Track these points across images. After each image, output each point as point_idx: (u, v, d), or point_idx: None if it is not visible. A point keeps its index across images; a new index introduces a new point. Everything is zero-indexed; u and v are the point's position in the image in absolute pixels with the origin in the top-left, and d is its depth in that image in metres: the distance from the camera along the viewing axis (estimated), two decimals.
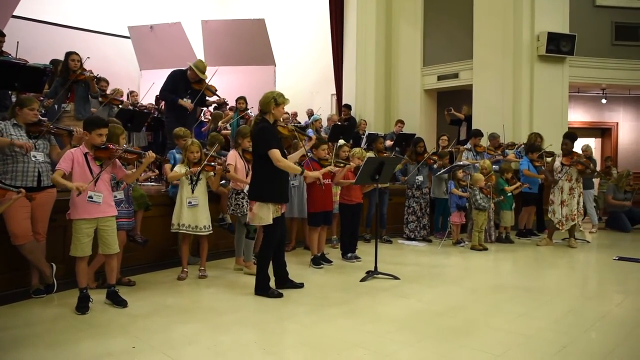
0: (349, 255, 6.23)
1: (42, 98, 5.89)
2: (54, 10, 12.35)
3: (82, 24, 12.78)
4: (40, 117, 4.60)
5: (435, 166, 7.93)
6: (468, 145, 8.72)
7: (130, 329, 3.71)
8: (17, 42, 6.08)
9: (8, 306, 4.16)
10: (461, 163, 7.91)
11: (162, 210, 5.47)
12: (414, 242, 7.71)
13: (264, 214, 4.53)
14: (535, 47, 9.79)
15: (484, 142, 8.81)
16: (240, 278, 5.28)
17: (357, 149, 6.53)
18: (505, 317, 4.15)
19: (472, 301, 4.63)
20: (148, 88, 10.14)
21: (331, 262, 6.01)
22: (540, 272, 6.08)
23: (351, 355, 3.29)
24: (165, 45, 12.10)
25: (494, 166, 8.12)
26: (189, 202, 5.08)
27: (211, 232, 5.26)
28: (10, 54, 6.16)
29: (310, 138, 5.63)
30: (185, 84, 6.64)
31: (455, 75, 10.97)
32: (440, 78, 11.21)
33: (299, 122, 9.22)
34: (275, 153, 4.44)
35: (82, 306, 4.02)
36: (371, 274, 5.32)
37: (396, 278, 5.30)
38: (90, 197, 4.04)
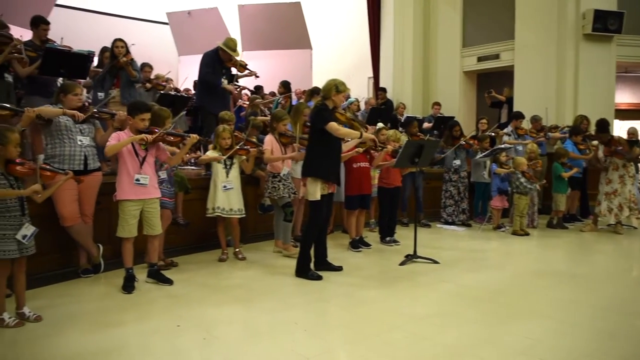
0: (388, 239, 6.21)
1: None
2: None
3: (122, 11, 12.99)
4: (85, 103, 4.72)
5: (472, 149, 7.77)
6: (508, 129, 8.49)
7: (173, 308, 3.80)
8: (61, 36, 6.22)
9: (58, 285, 4.33)
10: (503, 146, 7.72)
11: (202, 194, 5.54)
12: (452, 226, 7.61)
13: (312, 190, 4.63)
14: (581, 26, 9.38)
15: (526, 124, 8.56)
16: (279, 260, 5.34)
17: (391, 132, 6.45)
18: (549, 303, 4.05)
19: (514, 286, 4.55)
20: (186, 73, 10.31)
21: (369, 245, 5.99)
22: (585, 258, 5.91)
23: (391, 337, 3.29)
24: (203, 31, 12.17)
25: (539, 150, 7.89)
26: (224, 186, 5.14)
27: (244, 215, 5.32)
28: (55, 42, 6.31)
29: (367, 128, 5.64)
30: (220, 64, 6.66)
31: (496, 56, 10.66)
32: (480, 59, 10.93)
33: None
34: (333, 124, 4.54)
35: (128, 285, 4.14)
36: (410, 257, 5.28)
37: (435, 262, 5.24)
38: (137, 179, 4.14)
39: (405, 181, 7.08)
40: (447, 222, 7.71)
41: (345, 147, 5.32)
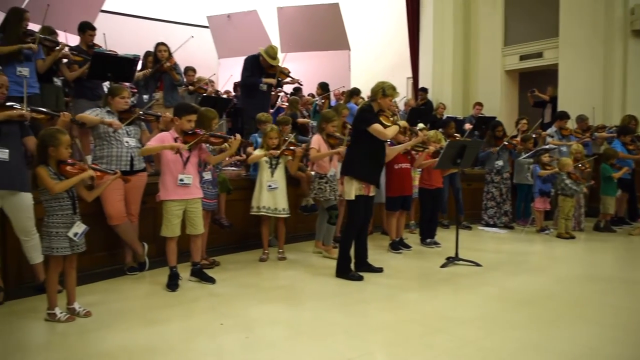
0: (428, 240, 6.13)
1: (134, 88, 6.18)
2: (138, 3, 12.93)
3: (163, 15, 13.29)
4: (131, 105, 4.85)
5: (516, 150, 7.59)
6: (552, 129, 8.25)
7: (216, 307, 3.86)
8: (104, 34, 6.42)
9: (105, 281, 4.46)
10: (547, 147, 7.50)
11: (243, 194, 5.62)
12: (494, 228, 7.44)
13: (347, 189, 4.64)
14: (629, 22, 9.03)
15: (571, 125, 8.30)
16: (319, 261, 5.34)
17: (431, 132, 6.36)
18: (598, 309, 3.91)
19: (561, 291, 4.41)
20: (226, 76, 10.47)
21: (410, 247, 5.93)
22: (636, 263, 5.67)
23: (434, 340, 3.24)
24: (242, 34, 12.33)
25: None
26: (269, 186, 5.18)
27: (289, 215, 5.35)
28: (101, 46, 6.52)
29: (416, 134, 5.60)
30: (260, 69, 6.74)
31: (539, 55, 10.40)
32: (522, 58, 10.68)
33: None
34: (376, 126, 4.51)
35: (173, 284, 4.23)
36: (452, 260, 5.19)
37: (478, 265, 5.14)
38: (181, 179, 4.22)
39: (443, 183, 6.98)
40: (488, 225, 7.55)
41: (391, 151, 5.29)
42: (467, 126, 9.39)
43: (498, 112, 10.38)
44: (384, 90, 4.59)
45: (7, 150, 3.73)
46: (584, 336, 3.32)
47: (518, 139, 7.76)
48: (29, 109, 3.86)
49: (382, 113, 4.70)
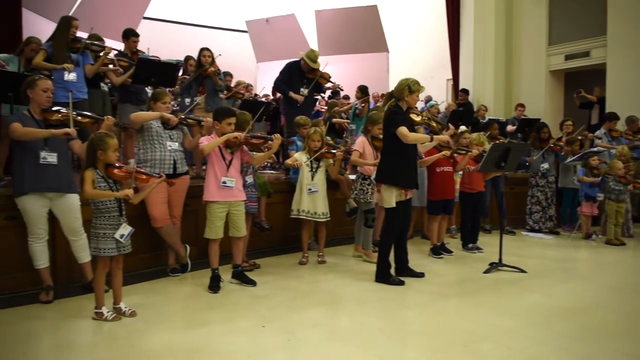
0: (470, 245, 6.02)
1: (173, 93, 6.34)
2: (178, 10, 13.26)
3: (202, 21, 13.57)
4: (173, 109, 4.97)
5: (562, 153, 7.38)
6: (601, 131, 7.98)
7: (257, 309, 3.90)
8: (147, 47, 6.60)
9: (149, 282, 4.57)
10: (595, 149, 7.26)
11: (283, 197, 5.66)
12: (539, 234, 7.25)
13: (388, 197, 4.58)
14: None
15: (620, 126, 8.00)
16: (359, 265, 5.32)
17: (474, 135, 6.24)
18: None
19: (612, 300, 4.25)
20: (264, 80, 10.60)
21: (451, 252, 5.85)
22: None
23: (479, 348, 3.18)
24: (280, 37, 12.47)
25: (632, 153, 7.36)
26: (309, 189, 5.20)
27: (329, 218, 5.35)
28: (144, 52, 6.71)
29: (447, 128, 5.51)
30: (301, 75, 6.78)
31: (586, 54, 10.07)
32: (568, 57, 10.37)
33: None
34: (403, 129, 4.44)
35: (214, 285, 4.30)
36: (495, 265, 5.09)
37: (522, 271, 5.02)
38: (224, 182, 4.30)
39: (485, 187, 6.84)
40: (533, 230, 7.37)
41: (422, 148, 5.24)
42: (510, 128, 9.20)
43: (542, 113, 10.11)
44: (409, 87, 4.53)
45: (56, 154, 3.88)
46: (637, 349, 3.19)
47: (563, 141, 7.54)
48: (74, 113, 3.99)
49: (410, 110, 4.64)
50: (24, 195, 3.83)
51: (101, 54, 5.55)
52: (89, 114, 4.27)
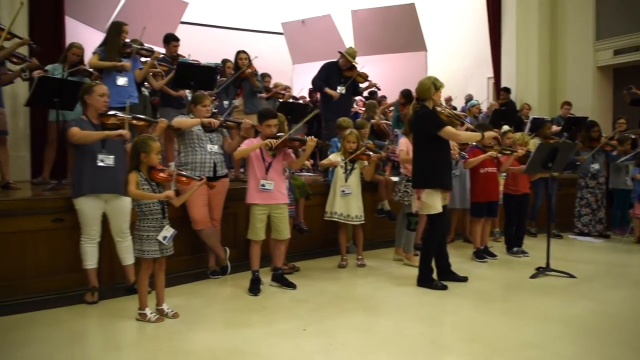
0: (515, 249, 5.90)
1: (214, 96, 6.45)
2: (214, 14, 13.49)
3: (238, 24, 13.77)
4: (213, 112, 5.07)
5: (614, 153, 7.15)
6: None
7: (297, 312, 3.93)
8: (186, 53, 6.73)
9: (190, 284, 4.67)
10: None
11: (322, 199, 5.67)
12: (588, 237, 7.05)
13: (433, 202, 4.51)
14: None
15: None
16: (400, 268, 5.30)
17: (517, 135, 6.12)
18: None
19: None
20: (300, 81, 10.66)
21: (495, 256, 5.74)
22: None
23: (528, 355, 3.12)
24: (316, 38, 12.51)
25: None
26: (342, 191, 5.21)
27: (363, 222, 5.34)
28: (184, 56, 6.87)
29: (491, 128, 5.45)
30: (338, 73, 6.81)
31: (637, 49, 9.71)
32: (617, 52, 10.01)
33: (455, 108, 8.89)
34: (450, 129, 4.40)
35: (255, 288, 4.36)
36: (542, 270, 4.97)
37: (571, 276, 4.89)
38: (262, 185, 4.36)
39: (536, 189, 6.69)
40: (581, 233, 7.16)
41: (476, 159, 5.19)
42: (555, 128, 8.95)
43: (590, 111, 9.78)
44: (435, 85, 4.49)
45: (113, 157, 4.06)
46: None
47: (615, 140, 7.30)
48: (129, 116, 4.16)
49: (436, 109, 4.59)
50: (82, 196, 4.02)
51: (149, 58, 5.72)
52: (143, 117, 4.44)
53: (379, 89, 7.19)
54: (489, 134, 4.91)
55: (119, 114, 4.15)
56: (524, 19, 10.80)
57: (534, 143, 5.99)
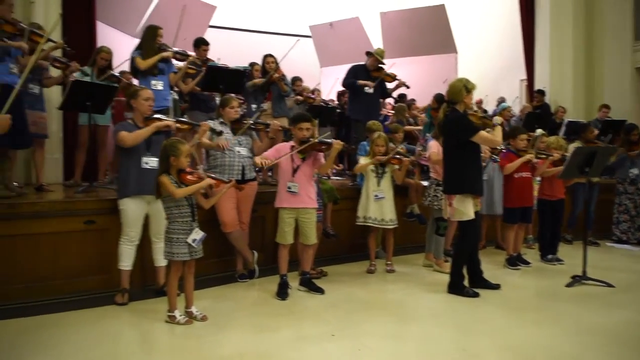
0: (549, 257, 5.79)
1: (242, 99, 6.52)
2: (241, 17, 13.65)
3: (266, 27, 13.89)
4: (241, 115, 5.13)
5: None
6: None
7: (325, 317, 3.94)
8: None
9: (218, 288, 4.72)
10: None
11: (349, 204, 5.68)
12: (626, 245, 6.87)
13: (466, 208, 4.48)
14: None
15: None
16: (430, 275, 5.26)
17: (552, 138, 6.02)
18: None
19: None
20: (328, 85, 10.68)
21: (529, 263, 5.64)
22: None
23: None
24: (344, 41, 12.53)
25: None
26: (375, 195, 5.21)
27: (397, 225, 5.33)
28: (214, 60, 6.96)
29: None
30: (366, 75, 6.82)
31: None
32: None
33: (485, 111, 8.79)
34: (483, 134, 4.37)
35: (282, 292, 4.39)
36: (578, 279, 4.86)
37: (610, 285, 4.77)
38: (289, 187, 4.40)
39: (576, 195, 6.56)
40: (619, 240, 6.99)
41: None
42: None
43: (628, 114, 9.52)
44: (466, 87, 4.44)
45: (157, 159, 4.10)
46: None
47: None
48: (174, 119, 4.27)
49: (468, 112, 4.54)
50: (127, 197, 4.14)
51: (184, 62, 5.83)
52: (187, 120, 4.53)
53: (407, 87, 7.14)
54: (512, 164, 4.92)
55: (164, 117, 4.29)
56: (558, 17, 10.60)
57: (573, 147, 5.86)
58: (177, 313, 3.75)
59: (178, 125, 4.33)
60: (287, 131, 5.35)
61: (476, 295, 4.44)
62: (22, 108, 4.69)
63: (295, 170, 4.42)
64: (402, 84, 6.99)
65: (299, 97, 7.31)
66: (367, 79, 6.75)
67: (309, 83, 9.01)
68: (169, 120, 4.17)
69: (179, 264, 3.72)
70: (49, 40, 5.12)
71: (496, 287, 4.67)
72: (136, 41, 6.06)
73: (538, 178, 5.80)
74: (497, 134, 4.50)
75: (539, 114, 8.55)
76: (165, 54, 5.53)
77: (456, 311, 4.14)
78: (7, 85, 4.37)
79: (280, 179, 4.48)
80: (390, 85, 7.22)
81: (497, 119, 4.64)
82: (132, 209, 4.15)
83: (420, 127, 7.80)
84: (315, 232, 4.57)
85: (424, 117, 8.46)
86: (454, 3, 12.55)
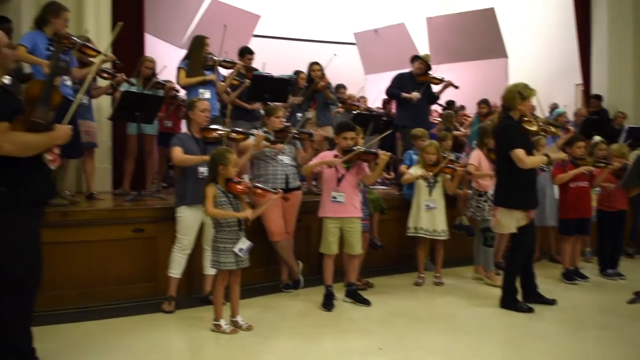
0: (610, 271, 5.57)
1: (287, 108, 6.61)
2: (285, 26, 13.83)
3: (310, 35, 14.02)
4: (286, 124, 5.20)
5: None
6: None
7: (372, 330, 3.94)
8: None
9: (263, 297, 4.78)
10: None
11: (396, 214, 5.65)
12: None
13: (507, 222, 4.39)
14: None
15: None
16: (480, 288, 5.16)
17: (614, 146, 5.82)
18: None
19: None
20: (373, 92, 10.67)
21: (587, 278, 5.44)
22: None
23: None
24: (389, 48, 12.50)
25: None
26: (427, 205, 5.16)
27: (448, 236, 5.26)
28: (258, 69, 7.08)
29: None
30: (411, 82, 6.77)
31: None
32: None
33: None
34: (519, 152, 4.20)
35: (328, 303, 4.39)
36: None
37: None
38: (334, 197, 4.42)
39: (637, 206, 6.30)
40: None
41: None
42: None
43: None
44: (521, 94, 4.27)
45: None
46: None
47: None
48: (229, 130, 4.42)
49: (524, 120, 4.41)
50: (184, 206, 4.28)
51: (231, 71, 5.96)
52: (241, 130, 4.65)
53: (456, 87, 7.02)
54: (557, 156, 4.67)
55: (220, 128, 4.42)
56: (616, 19, 10.23)
57: (636, 155, 5.65)
58: (222, 322, 3.81)
59: (233, 135, 4.44)
60: (331, 140, 5.38)
61: (530, 310, 4.31)
62: (74, 118, 4.90)
63: (339, 180, 4.43)
64: (449, 84, 6.89)
65: (340, 110, 7.32)
66: (412, 86, 6.70)
67: (353, 90, 9.02)
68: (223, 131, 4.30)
69: (225, 273, 3.79)
70: (99, 53, 5.35)
71: (552, 302, 4.52)
72: (182, 52, 6.23)
73: (597, 188, 5.61)
74: (534, 159, 4.36)
75: (596, 120, 8.27)
76: (208, 77, 5.62)
77: (509, 327, 4.05)
78: (63, 97, 4.58)
79: (325, 188, 4.51)
80: (436, 88, 7.15)
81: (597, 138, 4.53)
82: (188, 217, 4.27)
83: (467, 132, 7.67)
84: (361, 242, 4.56)
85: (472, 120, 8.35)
86: (504, 6, 12.33)
